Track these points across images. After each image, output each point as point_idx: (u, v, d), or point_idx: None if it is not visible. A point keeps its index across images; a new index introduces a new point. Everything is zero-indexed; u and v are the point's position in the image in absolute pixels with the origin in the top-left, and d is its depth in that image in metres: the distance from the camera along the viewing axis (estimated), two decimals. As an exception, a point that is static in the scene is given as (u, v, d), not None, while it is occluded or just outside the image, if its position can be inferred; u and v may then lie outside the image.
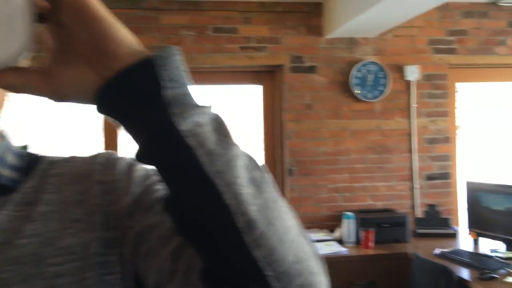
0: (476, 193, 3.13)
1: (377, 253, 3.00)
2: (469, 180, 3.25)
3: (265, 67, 3.56)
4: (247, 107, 3.83)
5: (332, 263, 2.90)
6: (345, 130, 3.57)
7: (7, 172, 0.61)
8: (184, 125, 0.45)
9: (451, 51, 3.70)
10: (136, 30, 3.30)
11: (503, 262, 2.62)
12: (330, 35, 3.50)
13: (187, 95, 0.47)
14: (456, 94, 3.86)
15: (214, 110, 0.49)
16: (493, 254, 2.80)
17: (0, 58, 0.45)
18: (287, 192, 3.51)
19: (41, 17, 0.46)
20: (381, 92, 3.57)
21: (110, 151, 0.68)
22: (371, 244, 3.07)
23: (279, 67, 3.55)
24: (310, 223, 3.51)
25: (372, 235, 3.07)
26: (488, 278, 2.39)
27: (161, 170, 0.48)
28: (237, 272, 0.48)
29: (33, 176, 0.63)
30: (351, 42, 3.58)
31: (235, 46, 3.45)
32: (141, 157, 0.48)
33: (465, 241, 3.21)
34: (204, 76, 3.57)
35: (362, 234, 3.09)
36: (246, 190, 0.46)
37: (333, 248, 3.04)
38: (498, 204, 2.95)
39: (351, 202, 3.57)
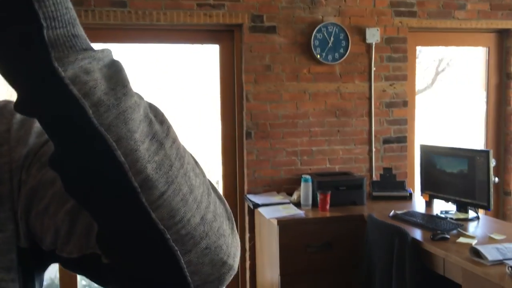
0: (430, 156, 3.17)
1: (333, 215, 3.01)
2: (423, 143, 3.29)
3: (223, 26, 3.43)
4: (202, 68, 3.72)
5: (289, 225, 2.90)
6: (304, 93, 3.52)
7: None
8: (67, 71, 0.39)
9: (412, 14, 3.67)
10: (85, -18, 3.10)
11: (455, 223, 2.67)
12: (290, -6, 3.39)
13: (74, 36, 0.40)
14: (417, 59, 3.86)
15: (110, 56, 0.43)
16: (445, 216, 2.86)
17: None
18: (245, 155, 3.46)
19: None
20: (342, 55, 3.52)
21: (8, 99, 0.59)
22: (327, 207, 3.08)
23: (238, 26, 3.43)
24: (268, 186, 3.49)
25: (328, 198, 3.08)
26: (440, 238, 2.43)
27: (43, 123, 0.41)
28: (134, 237, 0.43)
29: None
30: (311, 2, 3.49)
31: (192, 3, 3.30)
32: (19, 107, 0.41)
33: (419, 203, 3.27)
34: (159, 34, 3.41)
35: (319, 197, 3.09)
36: (143, 145, 0.41)
37: (291, 211, 3.03)
38: (451, 167, 3.00)
39: (309, 165, 3.56)
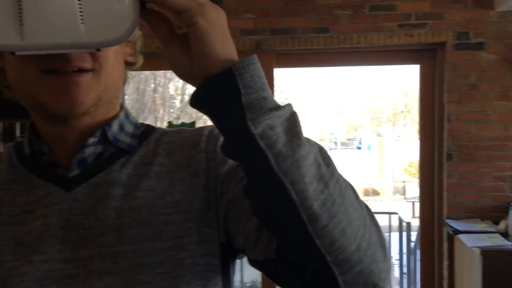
0: None
1: (550, 250, 2.67)
2: None
3: (424, 45, 3.37)
4: (401, 87, 3.68)
5: (494, 257, 2.67)
6: (516, 113, 3.22)
7: (127, 139, 0.72)
8: (257, 129, 0.51)
9: None
10: (292, 12, 3.40)
11: None
12: (501, 8, 3.15)
13: (263, 99, 0.52)
14: None
15: (290, 110, 0.53)
16: None
17: (118, 35, 0.53)
18: (445, 178, 3.30)
19: (143, 5, 0.54)
20: None
21: (213, 125, 0.75)
22: (543, 240, 2.74)
23: (441, 44, 3.33)
24: (470, 212, 3.26)
25: (544, 231, 2.74)
26: None
27: (239, 163, 0.55)
28: (303, 256, 0.54)
29: (147, 143, 0.73)
30: (527, 14, 3.18)
31: (392, 24, 3.32)
32: (223, 148, 0.55)
33: None
34: (359, 56, 3.52)
35: (532, 229, 2.77)
36: (311, 186, 0.51)
37: (497, 241, 2.79)
38: None
39: (521, 192, 3.22)
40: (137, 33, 0.72)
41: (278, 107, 0.53)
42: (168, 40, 0.55)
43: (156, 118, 11.45)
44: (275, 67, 3.57)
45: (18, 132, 3.25)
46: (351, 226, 0.54)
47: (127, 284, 0.61)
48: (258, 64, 0.54)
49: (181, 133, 0.75)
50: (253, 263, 0.64)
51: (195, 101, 0.55)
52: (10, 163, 0.71)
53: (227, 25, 0.55)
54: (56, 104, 0.62)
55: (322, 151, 0.55)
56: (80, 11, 0.51)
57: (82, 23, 0.51)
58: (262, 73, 0.54)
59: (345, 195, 0.54)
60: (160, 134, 0.75)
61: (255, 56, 0.54)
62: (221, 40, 0.53)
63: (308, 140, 0.54)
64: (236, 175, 0.66)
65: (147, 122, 0.85)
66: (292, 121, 0.53)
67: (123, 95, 3.56)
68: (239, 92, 0.51)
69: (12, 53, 0.53)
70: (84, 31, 0.51)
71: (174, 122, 4.07)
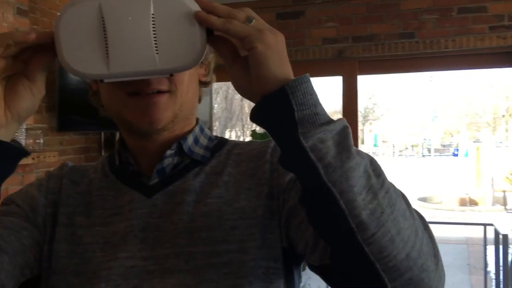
0: None
1: None
2: None
3: (520, 47, 3.18)
4: (502, 90, 3.49)
5: None
6: None
7: (201, 151, 0.79)
8: (308, 142, 0.55)
9: None
10: (375, 19, 3.37)
11: None
12: None
13: (315, 115, 0.57)
14: None
15: (342, 125, 0.57)
16: None
17: (188, 62, 0.61)
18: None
19: (209, 33, 0.61)
20: None
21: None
22: None
23: (539, 45, 3.12)
24: None
25: None
26: None
27: (294, 174, 0.60)
28: (353, 262, 0.57)
29: (219, 154, 0.80)
30: None
31: (483, 26, 3.18)
32: (280, 160, 0.60)
33: None
34: (447, 60, 3.39)
35: None
36: (360, 196, 0.54)
37: None
38: None
39: None
40: (210, 55, 0.80)
41: (329, 122, 0.57)
42: (232, 63, 0.62)
43: (243, 126, 11.75)
44: (358, 74, 3.56)
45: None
46: (401, 235, 0.56)
47: (197, 281, 0.68)
48: (310, 83, 0.58)
49: (251, 145, 0.81)
50: (311, 267, 0.68)
51: (254, 117, 0.61)
52: (103, 172, 0.81)
53: (284, 47, 0.60)
54: (139, 121, 0.71)
55: (373, 163, 0.59)
56: (155, 43, 0.59)
57: (157, 53, 0.59)
58: (314, 90, 0.58)
59: (395, 205, 0.57)
60: (232, 146, 0.82)
61: (307, 75, 0.59)
62: (277, 62, 0.58)
63: (358, 152, 0.58)
64: (297, 184, 0.70)
65: (236, 129, 0.92)
66: (343, 134, 0.57)
67: (211, 105, 3.75)
68: (292, 109, 0.56)
69: (101, 81, 0.63)
70: (159, 60, 0.60)
71: (258, 130, 4.19)
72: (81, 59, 0.59)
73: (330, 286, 0.66)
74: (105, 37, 0.59)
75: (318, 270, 0.66)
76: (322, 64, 3.62)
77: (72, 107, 3.07)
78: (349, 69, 3.54)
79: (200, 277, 0.68)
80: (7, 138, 0.61)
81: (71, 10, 0.59)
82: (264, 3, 3.64)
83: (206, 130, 0.83)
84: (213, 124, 4.42)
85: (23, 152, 0.64)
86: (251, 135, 4.10)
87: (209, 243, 0.70)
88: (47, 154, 2.87)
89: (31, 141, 2.82)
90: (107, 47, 0.59)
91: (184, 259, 0.70)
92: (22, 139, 2.67)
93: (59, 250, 0.74)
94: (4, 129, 0.60)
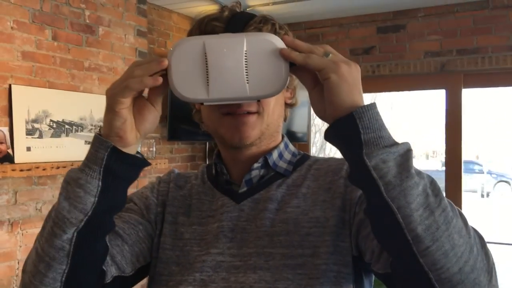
0: None
1: None
2: None
3: None
4: None
5: None
6: None
7: (284, 165, 0.89)
8: (371, 162, 0.63)
9: None
10: (481, 31, 3.25)
11: None
12: None
13: (379, 137, 0.64)
14: None
15: (405, 148, 0.64)
16: None
17: (273, 90, 0.72)
18: None
19: (292, 64, 0.70)
20: None
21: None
22: None
23: None
24: None
25: None
26: None
27: (360, 189, 0.69)
28: (410, 272, 0.64)
29: (301, 168, 0.89)
30: None
31: None
32: (349, 176, 0.69)
33: None
34: None
35: None
36: (417, 212, 0.61)
37: None
38: None
39: None
40: (295, 81, 0.90)
41: (393, 144, 0.65)
42: (311, 89, 0.72)
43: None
44: (463, 88, 3.44)
45: (220, 151, 3.78)
46: (454, 250, 0.61)
47: (274, 278, 0.77)
48: (377, 110, 0.66)
49: (329, 161, 0.91)
50: (377, 275, 0.75)
51: (327, 136, 0.70)
52: (202, 179, 0.95)
53: (358, 76, 0.68)
54: (231, 137, 0.83)
55: (432, 184, 0.65)
56: (246, 75, 0.71)
57: (247, 82, 0.71)
58: (380, 116, 0.66)
59: (450, 223, 0.62)
60: (313, 161, 0.92)
61: (374, 103, 0.67)
62: (349, 91, 0.66)
63: (419, 173, 0.64)
64: (364, 199, 0.78)
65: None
66: (405, 156, 0.64)
67: (310, 116, 3.83)
68: (358, 132, 0.64)
69: (202, 104, 0.77)
70: (249, 89, 0.71)
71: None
72: (187, 86, 0.72)
73: None
74: (207, 69, 0.71)
75: (382, 277, 0.73)
76: (424, 78, 3.55)
77: (181, 118, 3.34)
78: (453, 83, 3.43)
79: (277, 275, 0.78)
80: (134, 152, 0.75)
81: (180, 47, 0.72)
82: (365, 18, 3.68)
83: (291, 146, 0.94)
84: (311, 136, 4.50)
85: (146, 163, 0.78)
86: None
87: (286, 246, 0.80)
88: (158, 161, 3.17)
89: (145, 149, 3.13)
90: (207, 77, 0.71)
91: (265, 258, 0.80)
92: (138, 148, 2.98)
93: (165, 243, 0.88)
94: (133, 146, 0.74)
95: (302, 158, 0.93)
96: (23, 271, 0.77)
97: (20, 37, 2.45)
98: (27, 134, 2.46)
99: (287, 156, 0.91)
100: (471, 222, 0.68)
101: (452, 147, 3.46)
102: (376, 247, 0.73)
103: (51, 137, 2.58)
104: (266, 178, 0.89)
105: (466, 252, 0.62)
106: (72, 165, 2.58)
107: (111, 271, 0.80)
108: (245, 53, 0.71)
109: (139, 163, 0.76)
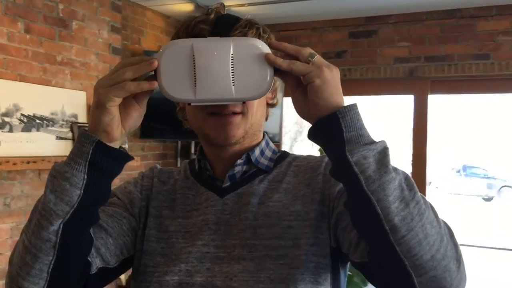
0: None
1: None
2: None
3: None
4: None
5: None
6: None
7: (266, 162, 0.93)
8: (353, 158, 0.68)
9: None
10: (449, 39, 3.37)
11: None
12: None
13: (360, 136, 0.69)
14: None
15: (382, 145, 0.69)
16: None
17: (258, 92, 0.75)
18: None
19: (276, 70, 0.74)
20: None
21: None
22: None
23: None
24: None
25: None
26: None
27: (341, 183, 0.74)
28: (387, 259, 0.69)
29: (281, 165, 0.94)
30: None
31: None
32: (330, 172, 0.74)
33: None
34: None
35: None
36: (393, 205, 0.66)
37: None
38: None
39: None
40: (277, 82, 0.94)
41: (372, 142, 0.70)
42: (294, 90, 0.75)
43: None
44: (429, 94, 3.56)
45: (193, 149, 3.78)
46: (427, 239, 0.67)
47: (257, 268, 0.81)
48: (358, 110, 0.71)
49: (308, 159, 0.95)
50: (354, 264, 0.80)
51: (311, 135, 0.74)
52: (185, 175, 0.97)
53: (338, 79, 0.73)
54: (216, 136, 0.86)
55: (407, 179, 0.70)
56: (233, 78, 0.74)
57: (233, 85, 0.74)
58: (360, 116, 0.71)
59: (423, 214, 0.68)
60: (292, 158, 0.96)
61: (355, 103, 0.71)
62: (331, 93, 0.71)
63: (395, 169, 0.69)
64: (345, 194, 0.81)
65: (305, 142, 1.07)
66: (383, 153, 0.69)
67: (281, 118, 3.89)
68: (341, 130, 0.69)
69: (189, 104, 0.80)
70: (234, 91, 0.74)
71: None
72: (175, 87, 0.75)
73: (369, 281, 0.78)
74: (194, 71, 0.74)
75: (359, 266, 0.78)
76: (394, 83, 3.66)
77: (153, 116, 3.32)
78: (420, 89, 3.55)
79: (260, 265, 0.82)
80: (117, 147, 0.78)
81: (170, 49, 0.75)
82: (338, 22, 3.75)
83: (271, 144, 0.98)
84: (283, 136, 4.56)
85: (129, 157, 0.81)
86: (320, 150, 4.20)
87: (269, 238, 0.84)
88: (130, 158, 3.14)
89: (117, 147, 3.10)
90: (195, 78, 0.74)
91: (248, 250, 0.84)
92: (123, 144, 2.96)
93: (150, 236, 0.90)
94: (117, 142, 0.77)
95: (282, 155, 0.97)
96: (10, 263, 0.78)
97: (-9, 28, 2.41)
98: (-4, 128, 2.41)
99: (268, 153, 0.95)
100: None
101: (418, 152, 3.57)
102: (353, 238, 0.78)
103: (21, 131, 2.53)
104: (249, 174, 0.92)
105: (438, 241, 0.68)
106: (43, 160, 2.54)
107: (96, 263, 0.82)
108: (232, 57, 0.74)
109: (123, 157, 0.79)
